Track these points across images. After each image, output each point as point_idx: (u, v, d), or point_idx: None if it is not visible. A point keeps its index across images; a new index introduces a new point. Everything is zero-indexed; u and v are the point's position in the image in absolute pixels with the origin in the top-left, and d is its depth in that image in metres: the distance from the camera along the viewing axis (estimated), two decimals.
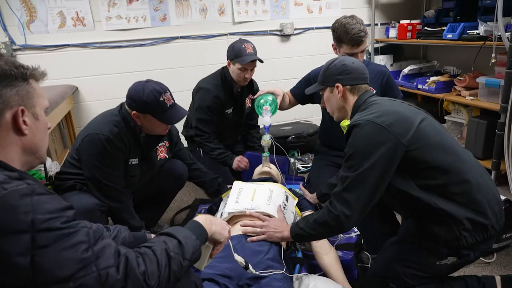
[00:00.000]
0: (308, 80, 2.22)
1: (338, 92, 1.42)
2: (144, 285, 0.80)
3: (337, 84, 1.41)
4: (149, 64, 3.13)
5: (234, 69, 2.34)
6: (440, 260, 1.26)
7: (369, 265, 1.62)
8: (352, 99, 1.42)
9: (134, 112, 1.70)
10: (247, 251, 1.40)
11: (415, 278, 1.30)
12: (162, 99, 1.66)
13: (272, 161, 2.16)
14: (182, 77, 3.18)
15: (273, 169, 2.12)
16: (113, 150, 1.67)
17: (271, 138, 2.09)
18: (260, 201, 1.64)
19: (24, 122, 0.83)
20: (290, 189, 1.97)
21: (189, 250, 0.95)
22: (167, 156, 2.00)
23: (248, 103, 2.59)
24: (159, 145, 1.93)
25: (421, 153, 1.21)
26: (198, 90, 2.43)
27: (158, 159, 1.95)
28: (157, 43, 3.11)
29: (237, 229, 1.53)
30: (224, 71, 2.41)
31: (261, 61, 2.32)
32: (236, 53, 2.29)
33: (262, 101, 2.10)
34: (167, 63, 3.17)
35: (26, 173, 0.83)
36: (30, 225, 0.68)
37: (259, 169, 2.12)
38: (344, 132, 1.36)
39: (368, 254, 1.67)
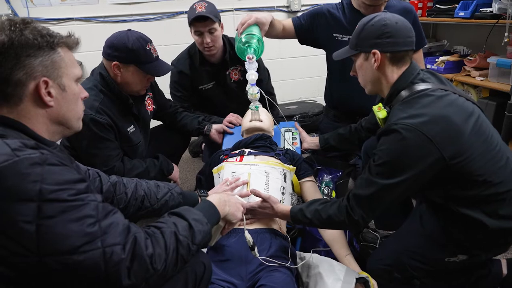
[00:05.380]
0: (314, 16, 1.90)
1: (375, 60, 1.17)
2: (150, 268, 0.78)
3: (373, 51, 1.16)
4: (154, 40, 3.04)
5: (194, 37, 2.04)
6: (449, 257, 1.22)
7: (377, 245, 1.57)
8: (392, 73, 1.19)
9: (115, 62, 1.50)
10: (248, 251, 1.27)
11: (421, 271, 1.26)
12: (148, 48, 1.53)
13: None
14: None
15: (265, 121, 1.80)
16: (101, 129, 1.50)
17: (260, 91, 1.65)
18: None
19: (49, 93, 0.80)
20: (288, 130, 1.94)
21: (199, 234, 0.91)
22: (154, 107, 1.88)
23: (234, 76, 2.25)
24: (146, 98, 1.79)
25: (460, 166, 1.08)
26: None
27: (149, 113, 1.83)
28: (162, 18, 3.05)
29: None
30: (193, 44, 2.16)
31: (215, 20, 1.94)
32: (187, 16, 1.97)
33: (245, 45, 1.60)
34: (172, 39, 3.11)
35: (45, 143, 0.80)
36: (37, 194, 0.68)
37: (247, 124, 1.80)
38: (379, 123, 1.23)
39: (376, 234, 1.63)
